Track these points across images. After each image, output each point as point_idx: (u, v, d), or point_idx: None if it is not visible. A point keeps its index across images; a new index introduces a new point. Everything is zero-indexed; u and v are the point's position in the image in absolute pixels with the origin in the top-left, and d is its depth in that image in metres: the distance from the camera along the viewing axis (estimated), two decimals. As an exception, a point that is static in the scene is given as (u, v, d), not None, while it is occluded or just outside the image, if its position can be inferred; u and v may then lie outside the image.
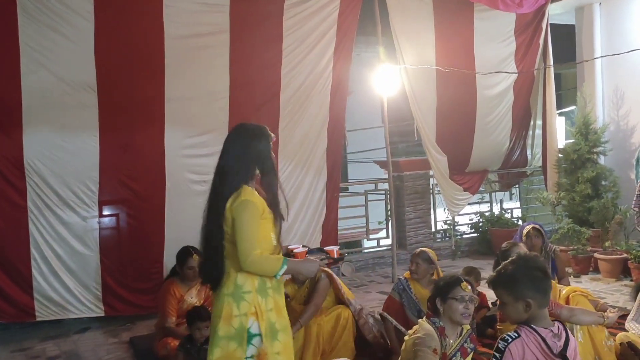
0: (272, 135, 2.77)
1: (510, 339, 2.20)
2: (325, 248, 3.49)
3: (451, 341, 3.02)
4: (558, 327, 2.25)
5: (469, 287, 3.05)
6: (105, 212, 5.16)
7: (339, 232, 6.69)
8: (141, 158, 5.18)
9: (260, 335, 2.53)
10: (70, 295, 5.01)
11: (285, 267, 2.57)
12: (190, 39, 5.22)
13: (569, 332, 2.26)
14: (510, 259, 2.35)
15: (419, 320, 3.16)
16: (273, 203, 2.68)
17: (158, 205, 5.25)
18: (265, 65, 5.64)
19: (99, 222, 5.12)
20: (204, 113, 5.42)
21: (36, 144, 4.82)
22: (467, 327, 3.13)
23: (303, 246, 3.56)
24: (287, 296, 3.88)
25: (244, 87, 5.53)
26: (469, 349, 3.08)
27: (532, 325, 2.21)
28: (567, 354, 2.18)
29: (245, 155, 2.64)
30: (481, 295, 4.49)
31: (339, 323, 3.88)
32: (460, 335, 3.07)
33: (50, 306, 4.96)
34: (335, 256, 3.29)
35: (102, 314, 5.16)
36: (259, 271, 2.55)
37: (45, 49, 4.74)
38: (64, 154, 4.91)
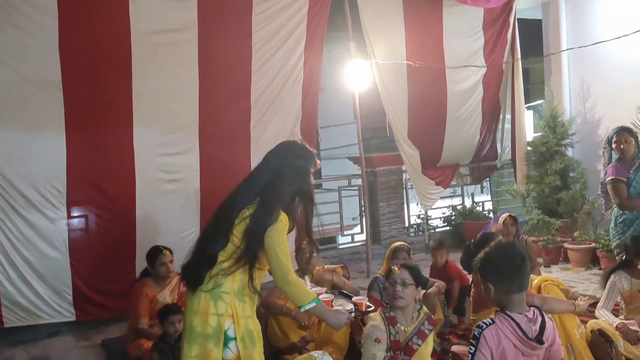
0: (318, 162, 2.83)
1: (484, 326, 2.24)
2: (354, 299, 3.51)
3: (403, 327, 3.16)
4: (534, 312, 2.29)
5: (397, 269, 3.21)
6: (74, 214, 5.01)
7: (313, 229, 6.65)
8: (109, 157, 5.07)
9: (236, 339, 2.51)
10: (39, 300, 4.86)
11: (314, 304, 2.61)
12: (157, 34, 5.12)
13: (546, 316, 2.29)
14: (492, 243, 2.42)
15: (371, 315, 3.25)
16: (308, 230, 2.76)
17: (128, 205, 5.15)
18: (235, 61, 5.57)
19: (68, 224, 4.97)
20: (173, 111, 5.33)
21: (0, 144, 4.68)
22: (424, 310, 3.28)
23: (326, 292, 3.57)
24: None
25: (214, 83, 5.46)
26: (426, 331, 3.21)
27: (507, 312, 2.25)
28: (544, 338, 2.22)
29: (286, 173, 2.65)
30: (449, 265, 4.76)
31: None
32: (416, 320, 3.22)
33: (18, 312, 4.81)
34: (364, 309, 3.35)
35: (73, 319, 5.03)
36: (290, 293, 2.60)
37: (6, 46, 4.59)
38: (29, 154, 4.76)
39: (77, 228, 5.06)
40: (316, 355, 2.96)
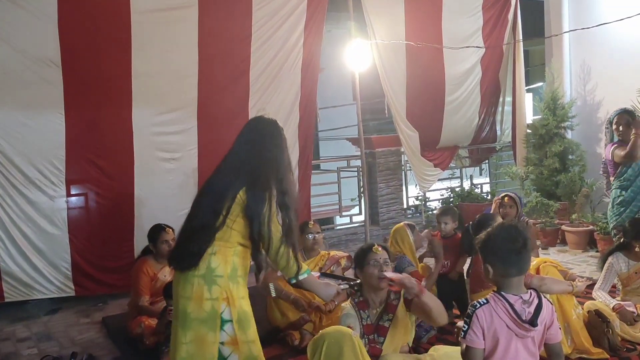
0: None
1: (478, 305, 2.26)
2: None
3: (374, 310, 3.05)
4: (530, 294, 2.28)
5: (380, 249, 3.06)
6: (73, 191, 5.02)
7: (312, 210, 6.68)
8: (108, 136, 5.05)
9: (231, 321, 2.51)
10: (39, 275, 4.89)
11: (306, 275, 2.67)
12: (157, 13, 5.05)
13: (544, 299, 2.29)
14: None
15: (342, 304, 3.18)
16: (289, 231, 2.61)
17: (127, 183, 5.16)
18: (234, 40, 5.53)
19: (67, 201, 4.99)
20: (173, 89, 5.29)
21: (-2, 122, 4.66)
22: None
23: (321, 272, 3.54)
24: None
25: (213, 62, 5.42)
26: (394, 302, 3.05)
27: (502, 292, 2.26)
28: (539, 320, 2.21)
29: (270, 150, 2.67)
30: (456, 238, 4.47)
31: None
32: (385, 298, 3.06)
33: (18, 287, 4.84)
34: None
35: (73, 294, 5.06)
36: (283, 263, 2.60)
37: (5, 22, 4.53)
38: (28, 132, 4.74)
39: (76, 205, 5.08)
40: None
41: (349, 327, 2.83)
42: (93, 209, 5.13)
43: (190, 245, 2.54)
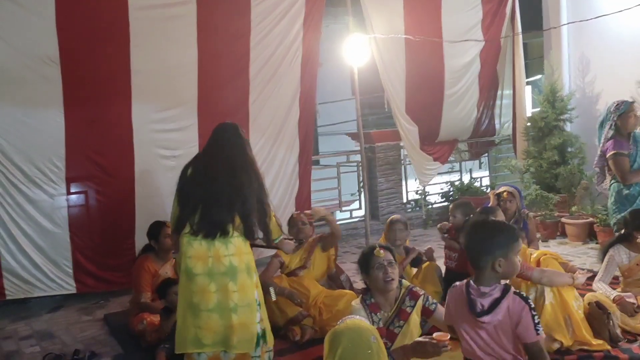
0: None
1: (452, 287, 2.48)
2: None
3: (386, 313, 3.00)
4: (494, 287, 2.32)
5: (382, 251, 3.00)
6: (73, 189, 5.02)
7: (312, 205, 6.69)
8: (108, 133, 5.04)
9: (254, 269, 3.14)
10: (40, 272, 4.90)
11: (280, 238, 3.33)
12: (155, 9, 5.05)
13: (511, 299, 2.28)
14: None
15: (353, 302, 3.14)
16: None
17: (127, 181, 5.15)
18: (233, 36, 5.52)
19: (67, 199, 4.99)
20: (172, 86, 5.28)
21: (-3, 120, 4.65)
22: (405, 285, 3.09)
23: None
24: (282, 264, 4.26)
25: (213, 59, 5.41)
26: (408, 309, 3.00)
27: (470, 281, 2.39)
28: (490, 315, 2.26)
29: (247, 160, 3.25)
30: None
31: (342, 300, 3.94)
32: (397, 299, 3.02)
33: (19, 284, 4.84)
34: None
35: (74, 291, 5.07)
36: (274, 226, 3.24)
37: (3, 21, 4.51)
38: (27, 130, 4.74)
39: (76, 203, 5.08)
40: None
41: None
42: (93, 206, 5.12)
43: (225, 217, 3.05)
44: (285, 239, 3.51)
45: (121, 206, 5.15)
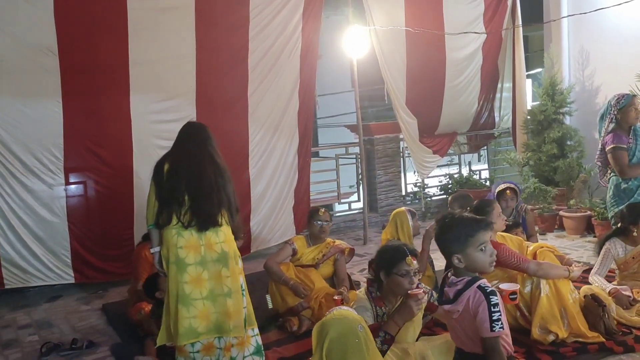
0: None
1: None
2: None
3: (391, 307, 3.01)
4: (461, 280, 2.36)
5: (414, 262, 2.95)
6: (72, 179, 5.05)
7: (311, 197, 6.70)
8: (107, 124, 5.06)
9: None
10: (38, 262, 4.94)
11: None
12: (153, 0, 5.04)
13: (475, 291, 2.31)
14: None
15: (357, 291, 3.16)
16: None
17: (125, 171, 5.17)
18: (232, 27, 5.51)
19: (66, 190, 5.02)
20: (170, 77, 5.29)
21: (-4, 110, 4.65)
22: None
23: None
24: (295, 251, 4.20)
25: (211, 50, 5.41)
26: None
27: (449, 273, 2.49)
28: (446, 307, 2.40)
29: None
30: None
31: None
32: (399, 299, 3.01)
33: (18, 274, 4.88)
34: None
35: (72, 281, 5.11)
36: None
37: (2, 11, 4.52)
38: (26, 120, 4.76)
39: (75, 193, 5.11)
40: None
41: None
42: (92, 197, 5.15)
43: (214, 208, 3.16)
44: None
45: (120, 197, 5.17)
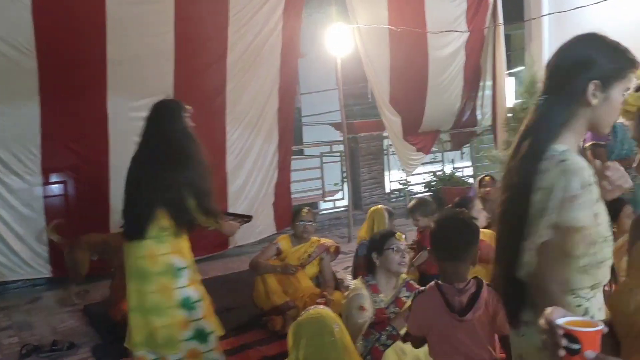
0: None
1: (418, 294, 2.36)
2: None
3: (382, 295, 3.07)
4: (468, 283, 2.26)
5: (403, 236, 3.13)
6: (50, 177, 5.07)
7: (295, 195, 6.71)
8: (84, 121, 5.03)
9: (185, 268, 2.92)
10: (16, 257, 4.93)
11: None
12: (132, -3, 5.01)
13: (486, 289, 2.24)
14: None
15: (354, 280, 3.22)
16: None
17: (102, 169, 5.16)
18: (211, 24, 5.47)
19: (44, 187, 5.03)
20: (149, 75, 5.24)
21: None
22: (402, 276, 3.18)
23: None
24: (279, 251, 4.19)
25: (190, 47, 5.36)
26: (404, 298, 3.09)
27: (439, 281, 2.28)
28: (472, 310, 2.18)
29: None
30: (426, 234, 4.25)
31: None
32: (394, 287, 3.12)
33: None
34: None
35: (50, 275, 5.10)
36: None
37: (-23, 8, 4.47)
38: (4, 118, 4.72)
39: (53, 190, 5.13)
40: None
41: (361, 307, 2.92)
42: (70, 193, 5.16)
43: (137, 214, 2.93)
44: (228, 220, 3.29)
45: (97, 193, 5.17)
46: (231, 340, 3.80)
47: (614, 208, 3.92)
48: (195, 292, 2.97)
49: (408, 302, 3.06)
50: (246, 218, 3.54)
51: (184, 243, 2.99)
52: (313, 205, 8.38)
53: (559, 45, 1.65)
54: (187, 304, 2.92)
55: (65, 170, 5.12)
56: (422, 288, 2.34)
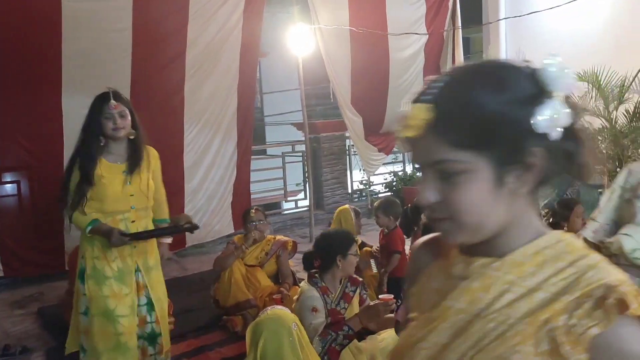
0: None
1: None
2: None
3: (333, 295, 3.13)
4: None
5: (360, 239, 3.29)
6: (2, 175, 4.97)
7: (257, 195, 6.68)
8: (37, 119, 4.90)
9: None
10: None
11: (90, 227, 2.95)
12: (89, -7, 4.90)
13: None
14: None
15: (301, 284, 3.25)
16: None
17: (57, 167, 4.98)
18: (171, 21, 5.38)
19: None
20: (104, 72, 5.09)
21: None
22: None
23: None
24: (235, 247, 4.18)
25: (148, 44, 5.25)
26: (350, 293, 3.17)
27: None
28: None
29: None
30: (392, 234, 4.22)
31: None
32: (341, 283, 3.18)
33: None
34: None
35: (1, 274, 4.97)
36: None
37: None
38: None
39: (5, 189, 5.02)
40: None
41: (314, 308, 2.93)
42: (23, 192, 5.04)
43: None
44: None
45: (51, 192, 5.00)
46: (190, 341, 3.78)
47: (567, 208, 4.07)
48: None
49: (356, 296, 3.18)
50: (193, 228, 3.39)
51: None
52: (276, 205, 8.38)
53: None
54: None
55: (19, 168, 5.00)
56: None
